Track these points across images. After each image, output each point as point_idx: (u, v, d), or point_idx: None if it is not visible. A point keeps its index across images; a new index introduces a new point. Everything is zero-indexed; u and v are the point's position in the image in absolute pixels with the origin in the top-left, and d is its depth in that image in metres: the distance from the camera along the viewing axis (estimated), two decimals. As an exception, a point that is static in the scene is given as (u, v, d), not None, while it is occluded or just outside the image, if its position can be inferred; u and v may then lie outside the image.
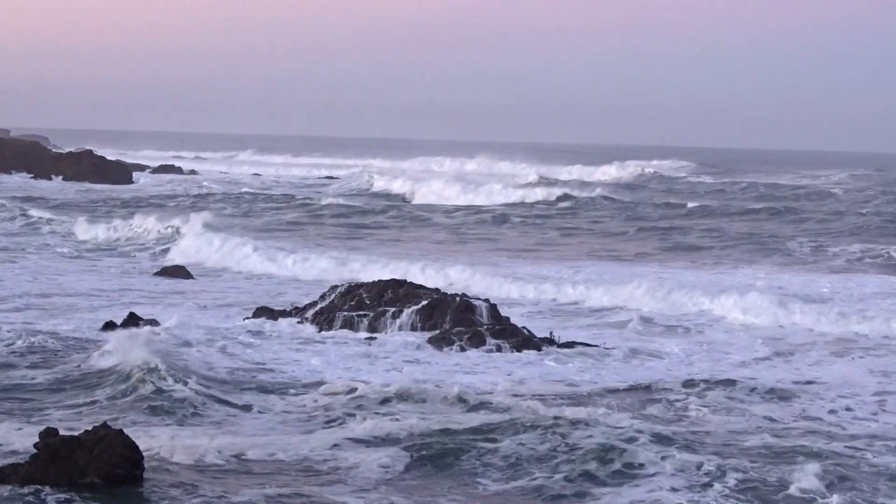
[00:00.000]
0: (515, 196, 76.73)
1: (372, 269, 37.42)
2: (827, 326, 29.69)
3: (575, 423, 17.75)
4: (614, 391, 21.93)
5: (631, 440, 17.13)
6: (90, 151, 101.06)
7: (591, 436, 17.19)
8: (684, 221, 62.10)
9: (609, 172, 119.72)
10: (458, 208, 68.36)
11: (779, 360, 25.63)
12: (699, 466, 16.15)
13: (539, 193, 76.71)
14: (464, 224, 61.02)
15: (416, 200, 76.35)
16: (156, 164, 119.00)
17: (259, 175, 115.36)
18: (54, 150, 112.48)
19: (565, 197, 74.07)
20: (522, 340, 26.07)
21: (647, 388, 22.10)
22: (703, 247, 50.82)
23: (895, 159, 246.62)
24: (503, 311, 28.08)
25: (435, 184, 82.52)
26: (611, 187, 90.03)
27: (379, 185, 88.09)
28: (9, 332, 24.96)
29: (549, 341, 26.62)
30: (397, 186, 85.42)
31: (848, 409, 20.86)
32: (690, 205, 70.03)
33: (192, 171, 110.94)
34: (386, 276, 32.44)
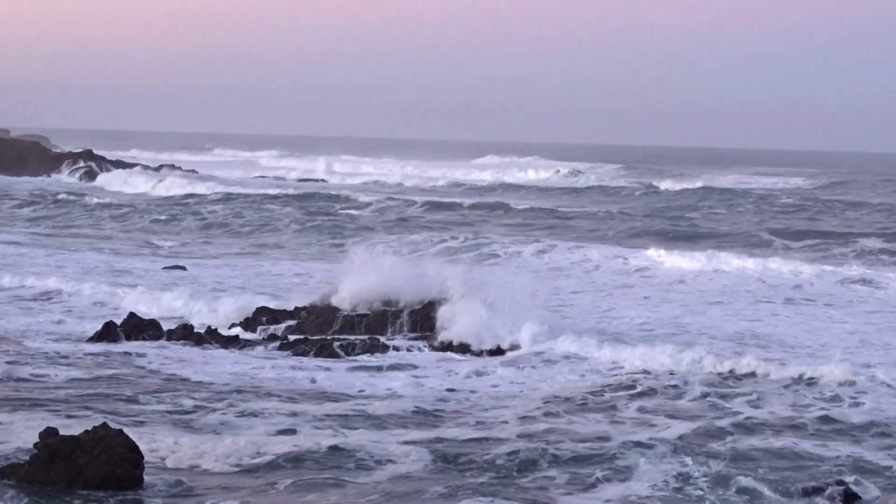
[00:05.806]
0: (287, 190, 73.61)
1: None
2: None
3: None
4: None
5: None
6: (90, 151, 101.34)
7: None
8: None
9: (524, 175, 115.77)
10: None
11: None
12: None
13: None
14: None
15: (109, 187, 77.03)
16: (156, 164, 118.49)
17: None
18: (54, 150, 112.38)
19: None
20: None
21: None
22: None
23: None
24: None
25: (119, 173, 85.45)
26: (451, 190, 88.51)
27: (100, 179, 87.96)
28: None
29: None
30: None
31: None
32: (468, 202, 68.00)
33: (193, 171, 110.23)
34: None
